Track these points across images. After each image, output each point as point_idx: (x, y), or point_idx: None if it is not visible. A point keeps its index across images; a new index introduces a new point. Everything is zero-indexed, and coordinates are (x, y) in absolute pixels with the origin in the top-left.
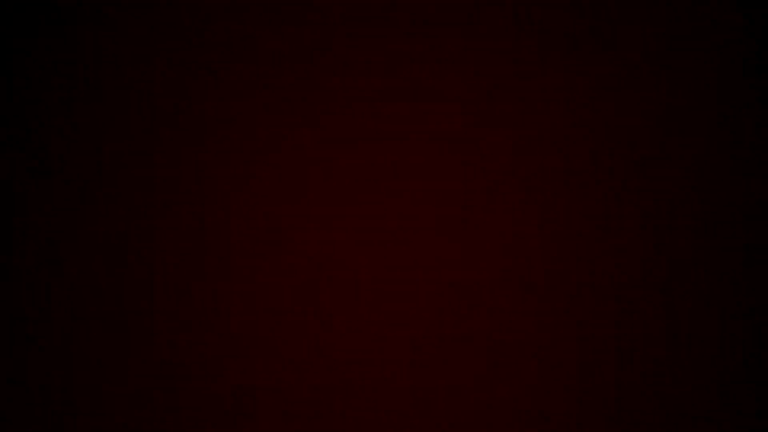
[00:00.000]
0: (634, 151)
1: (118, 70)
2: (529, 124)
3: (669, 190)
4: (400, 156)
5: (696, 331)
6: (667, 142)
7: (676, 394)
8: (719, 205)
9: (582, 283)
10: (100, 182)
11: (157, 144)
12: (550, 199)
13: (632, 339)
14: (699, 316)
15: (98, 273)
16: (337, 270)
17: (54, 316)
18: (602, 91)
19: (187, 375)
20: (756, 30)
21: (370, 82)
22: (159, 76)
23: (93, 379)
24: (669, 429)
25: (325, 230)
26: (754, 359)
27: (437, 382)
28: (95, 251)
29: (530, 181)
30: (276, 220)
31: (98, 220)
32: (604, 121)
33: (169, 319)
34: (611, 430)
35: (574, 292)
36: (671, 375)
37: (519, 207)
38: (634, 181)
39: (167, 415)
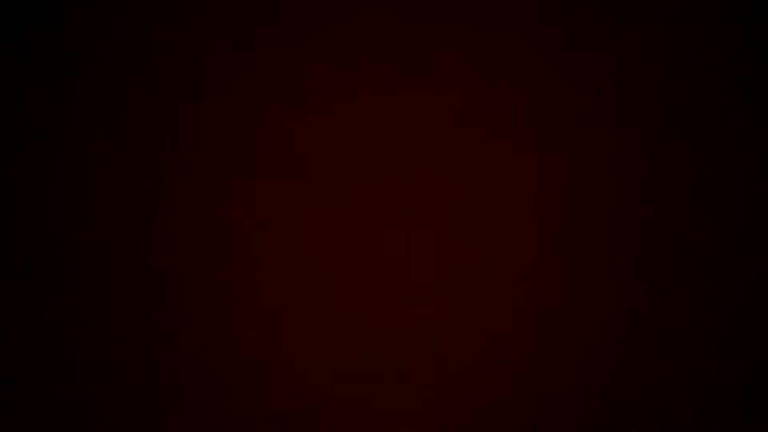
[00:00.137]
0: (638, 147)
1: (117, 66)
2: (529, 120)
3: (671, 189)
4: (399, 152)
5: (696, 331)
6: (668, 141)
7: (677, 393)
8: (719, 204)
9: (581, 281)
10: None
11: (158, 141)
12: (551, 194)
13: (650, 339)
14: (699, 315)
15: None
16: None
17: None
18: (606, 89)
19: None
20: (757, 29)
21: (369, 80)
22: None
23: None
24: (669, 429)
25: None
26: (754, 359)
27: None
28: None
29: (534, 177)
30: (283, 217)
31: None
32: (607, 119)
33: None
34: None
35: (572, 285)
36: (674, 375)
37: (519, 206)
38: (644, 178)
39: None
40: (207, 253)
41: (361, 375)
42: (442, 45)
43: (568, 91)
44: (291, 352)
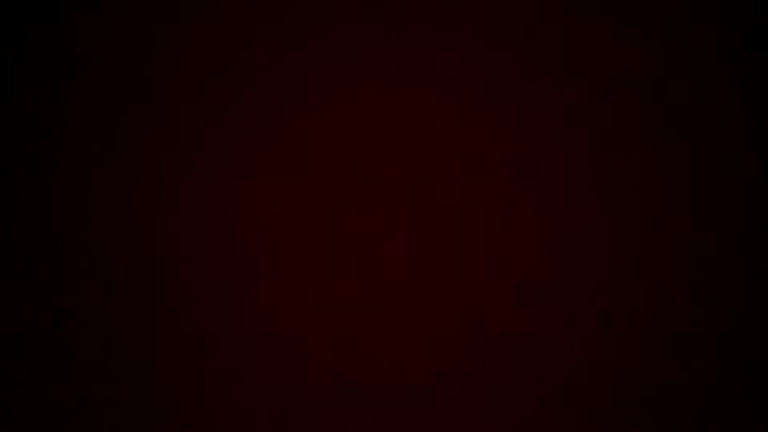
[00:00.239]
0: (637, 146)
1: (117, 63)
2: (529, 120)
3: (671, 189)
4: (399, 149)
5: (696, 331)
6: (668, 141)
7: (677, 393)
8: (719, 204)
9: (581, 281)
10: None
11: (158, 138)
12: (551, 192)
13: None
14: (699, 315)
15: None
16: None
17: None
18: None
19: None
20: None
21: (369, 80)
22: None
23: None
24: (669, 429)
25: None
26: (754, 359)
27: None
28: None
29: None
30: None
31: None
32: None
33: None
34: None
35: (566, 286)
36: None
37: (519, 206)
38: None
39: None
40: (207, 252)
41: (361, 375)
42: (442, 45)
43: (568, 91)
44: (291, 351)
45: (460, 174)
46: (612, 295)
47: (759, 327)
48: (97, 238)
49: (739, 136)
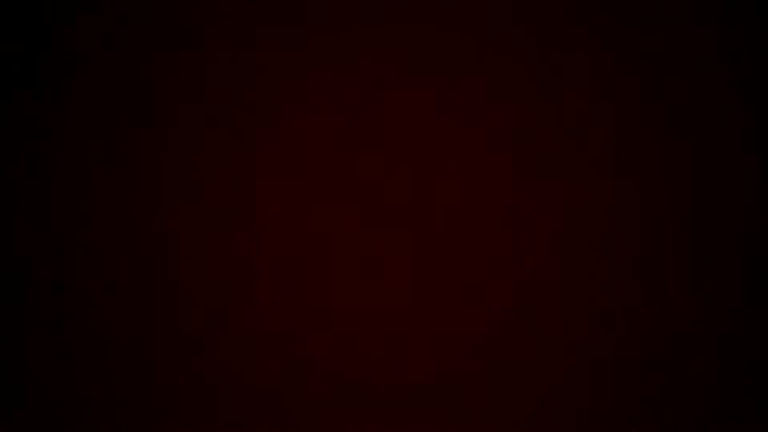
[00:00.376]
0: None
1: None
2: (529, 120)
3: (671, 189)
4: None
5: (696, 331)
6: (668, 141)
7: (677, 393)
8: (719, 204)
9: (581, 281)
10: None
11: (158, 137)
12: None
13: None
14: (699, 315)
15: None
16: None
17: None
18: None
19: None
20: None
21: (369, 80)
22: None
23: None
24: (669, 429)
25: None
26: (754, 359)
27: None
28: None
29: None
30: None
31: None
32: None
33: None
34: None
35: (568, 285)
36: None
37: (519, 205)
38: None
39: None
40: (207, 252)
41: (361, 374)
42: (442, 45)
43: (568, 91)
44: (291, 351)
45: (460, 174)
46: (612, 295)
47: (759, 327)
48: (97, 238)
49: (739, 136)
